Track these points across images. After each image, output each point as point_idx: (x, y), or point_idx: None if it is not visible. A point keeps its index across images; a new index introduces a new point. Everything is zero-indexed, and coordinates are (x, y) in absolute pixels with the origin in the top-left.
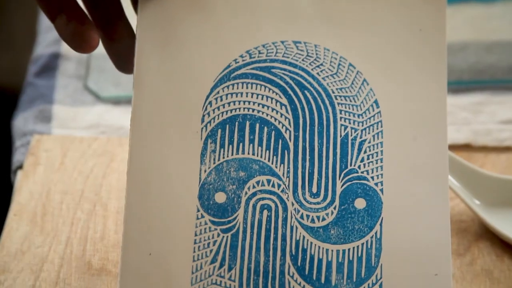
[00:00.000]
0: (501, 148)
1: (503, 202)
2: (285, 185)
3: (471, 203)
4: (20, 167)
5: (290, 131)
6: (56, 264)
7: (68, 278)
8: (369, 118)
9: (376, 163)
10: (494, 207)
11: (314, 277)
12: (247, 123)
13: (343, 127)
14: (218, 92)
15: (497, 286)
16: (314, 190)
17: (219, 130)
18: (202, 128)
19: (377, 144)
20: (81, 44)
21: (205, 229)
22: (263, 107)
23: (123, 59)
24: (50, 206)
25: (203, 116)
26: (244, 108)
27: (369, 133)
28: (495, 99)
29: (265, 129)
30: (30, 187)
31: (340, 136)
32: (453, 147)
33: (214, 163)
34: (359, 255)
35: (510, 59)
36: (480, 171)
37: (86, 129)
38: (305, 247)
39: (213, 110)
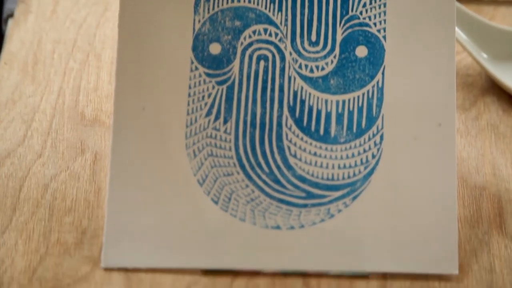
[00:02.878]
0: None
1: (511, 56)
2: (282, 34)
3: (479, 57)
4: (11, 15)
5: None
6: (48, 114)
7: (60, 129)
8: None
9: (379, 8)
10: (502, 60)
11: (313, 129)
12: None
13: None
14: None
15: (503, 141)
16: (313, 38)
17: None
18: None
19: None
20: None
21: (199, 81)
22: None
23: None
24: (41, 56)
25: None
26: None
27: None
28: None
29: None
30: (21, 36)
31: None
32: None
33: (208, 12)
34: (360, 105)
35: None
36: (488, 24)
37: None
38: (304, 98)
39: None
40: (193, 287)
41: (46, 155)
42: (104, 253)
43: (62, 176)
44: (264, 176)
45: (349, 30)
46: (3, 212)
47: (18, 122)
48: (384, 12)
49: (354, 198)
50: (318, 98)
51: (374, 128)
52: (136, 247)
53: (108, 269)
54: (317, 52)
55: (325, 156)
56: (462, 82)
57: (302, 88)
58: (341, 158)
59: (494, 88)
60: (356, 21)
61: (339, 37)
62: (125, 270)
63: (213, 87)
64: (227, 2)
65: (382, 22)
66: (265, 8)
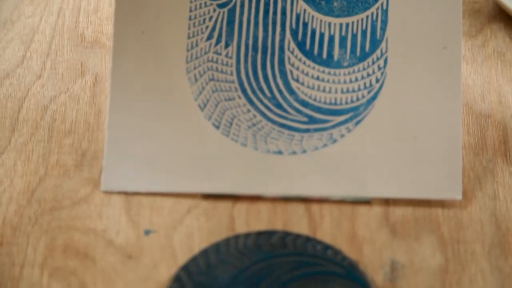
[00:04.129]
0: None
1: None
2: None
3: None
4: None
5: None
6: (48, 35)
7: (60, 50)
8: None
9: None
10: None
11: (316, 52)
12: None
13: None
14: None
15: (509, 69)
16: None
17: None
18: None
19: None
20: None
21: (200, 4)
22: None
23: None
24: None
25: None
26: None
27: None
28: None
29: None
30: None
31: None
32: None
33: None
34: (364, 28)
35: None
36: None
37: None
38: (306, 21)
39: None
40: (193, 211)
41: (45, 77)
42: (104, 177)
43: (62, 98)
44: (266, 101)
45: None
46: (2, 133)
47: (17, 43)
48: None
49: (357, 123)
50: (321, 21)
51: (378, 52)
52: (136, 171)
53: (108, 192)
54: None
55: (328, 80)
56: (468, 9)
57: (305, 10)
58: (344, 82)
59: (501, 14)
60: None
61: None
62: (125, 193)
63: (214, 10)
64: None
65: None
66: None
